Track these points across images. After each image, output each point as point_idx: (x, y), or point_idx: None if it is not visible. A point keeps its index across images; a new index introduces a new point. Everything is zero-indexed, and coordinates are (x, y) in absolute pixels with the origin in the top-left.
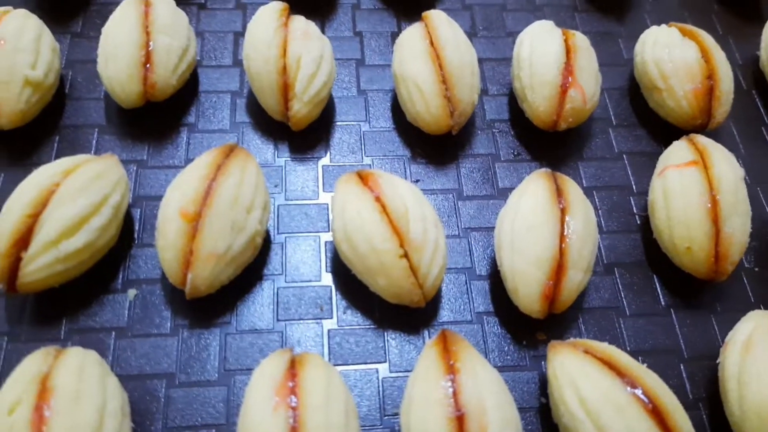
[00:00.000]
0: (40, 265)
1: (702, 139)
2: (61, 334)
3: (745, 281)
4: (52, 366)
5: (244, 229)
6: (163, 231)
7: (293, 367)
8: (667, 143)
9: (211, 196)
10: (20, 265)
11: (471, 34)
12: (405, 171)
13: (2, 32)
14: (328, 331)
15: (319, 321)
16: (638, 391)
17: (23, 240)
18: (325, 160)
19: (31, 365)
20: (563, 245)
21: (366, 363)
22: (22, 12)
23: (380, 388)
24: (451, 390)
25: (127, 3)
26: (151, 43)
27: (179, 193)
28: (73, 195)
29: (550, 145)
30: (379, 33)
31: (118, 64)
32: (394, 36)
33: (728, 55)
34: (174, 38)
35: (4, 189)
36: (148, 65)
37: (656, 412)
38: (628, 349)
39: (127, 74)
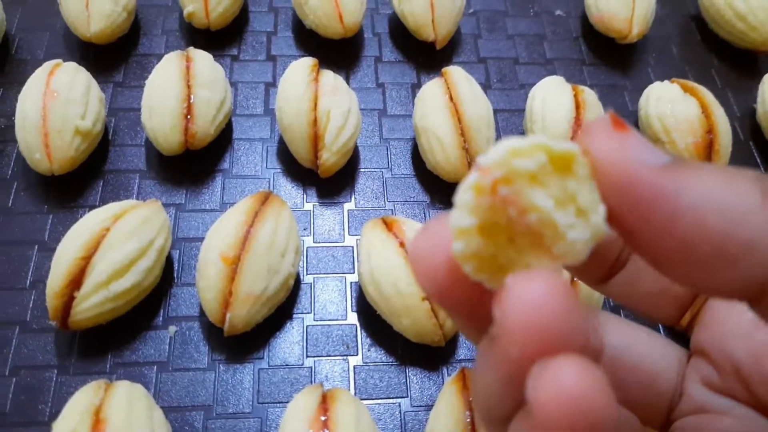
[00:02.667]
0: (91, 304)
1: None
2: (107, 367)
3: None
4: (104, 399)
5: (279, 272)
6: (204, 273)
7: (325, 402)
8: None
9: (250, 241)
10: (72, 304)
11: (486, 86)
12: (425, 216)
13: (56, 85)
14: (354, 367)
15: (345, 357)
16: None
17: (76, 281)
18: (350, 205)
19: (84, 397)
20: None
21: (389, 397)
22: (73, 65)
23: (402, 422)
24: (470, 425)
25: (170, 58)
26: (192, 96)
27: (219, 237)
28: (122, 239)
29: None
30: (400, 84)
31: (162, 116)
32: (414, 87)
33: (727, 107)
34: (213, 91)
35: (54, 230)
36: (189, 117)
37: None
38: None
39: (170, 125)
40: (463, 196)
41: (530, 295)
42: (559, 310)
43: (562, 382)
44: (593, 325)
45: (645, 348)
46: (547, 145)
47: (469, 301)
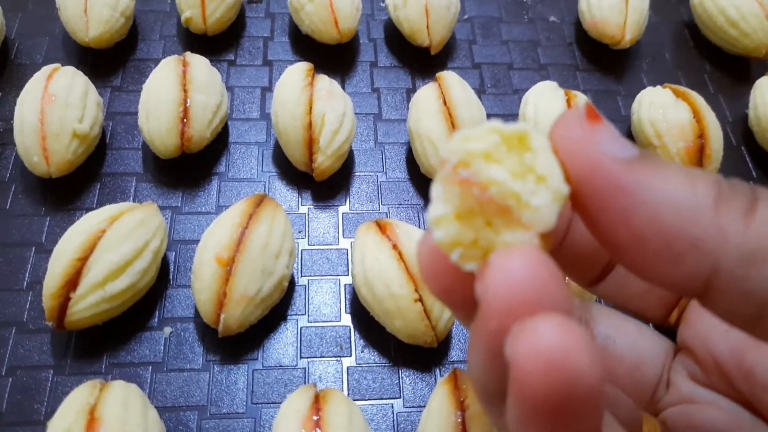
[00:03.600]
0: (87, 305)
1: None
2: (103, 368)
3: None
4: (99, 398)
5: (273, 274)
6: (199, 274)
7: (318, 402)
8: None
9: (244, 243)
10: (69, 305)
11: (480, 91)
12: (419, 219)
13: (54, 88)
14: (347, 368)
15: (338, 358)
16: None
17: (72, 282)
18: (344, 208)
19: (79, 397)
20: None
21: (382, 398)
22: (71, 70)
23: (395, 422)
24: (461, 425)
25: (167, 62)
26: (188, 100)
27: (214, 239)
28: (118, 241)
29: None
30: (395, 89)
31: (159, 119)
32: (409, 92)
33: (719, 112)
34: (209, 96)
35: (51, 232)
36: (185, 120)
37: None
38: None
39: (167, 129)
40: (435, 190)
41: (508, 268)
42: (536, 279)
43: (538, 337)
44: (584, 317)
45: (633, 339)
46: (499, 128)
47: (468, 296)
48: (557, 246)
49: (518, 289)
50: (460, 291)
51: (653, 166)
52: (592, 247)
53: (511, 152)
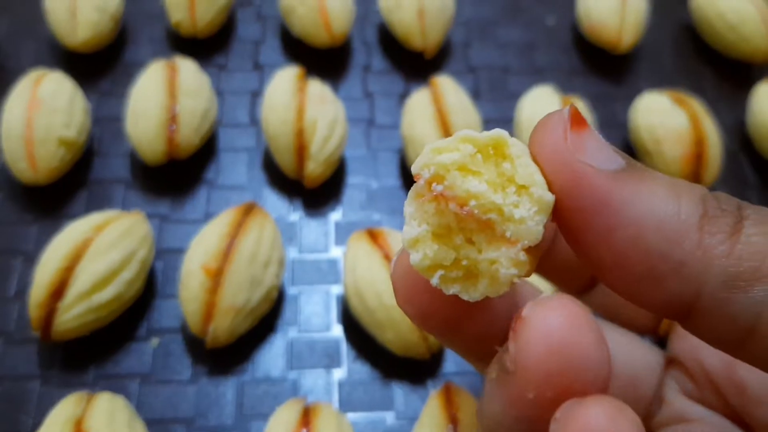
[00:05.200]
0: (73, 315)
1: None
2: (90, 379)
3: None
4: (85, 410)
5: (262, 284)
6: (186, 284)
7: (307, 416)
8: None
9: (232, 253)
10: (55, 315)
11: (475, 96)
12: None
13: (41, 95)
14: (338, 380)
15: (329, 370)
16: None
17: (58, 292)
18: (336, 216)
19: (66, 409)
20: None
21: (373, 411)
22: (58, 75)
23: None
24: None
25: (154, 67)
26: (177, 105)
27: (202, 249)
28: (105, 250)
29: None
30: (388, 94)
31: (146, 125)
32: (402, 97)
33: (718, 118)
34: (198, 101)
35: (39, 240)
36: (173, 126)
37: None
38: None
39: (154, 134)
40: (408, 209)
41: (551, 328)
42: (582, 347)
43: (592, 427)
44: None
45: (627, 354)
46: (472, 137)
47: (450, 320)
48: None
49: (562, 361)
50: (440, 315)
51: (639, 179)
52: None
53: (487, 162)
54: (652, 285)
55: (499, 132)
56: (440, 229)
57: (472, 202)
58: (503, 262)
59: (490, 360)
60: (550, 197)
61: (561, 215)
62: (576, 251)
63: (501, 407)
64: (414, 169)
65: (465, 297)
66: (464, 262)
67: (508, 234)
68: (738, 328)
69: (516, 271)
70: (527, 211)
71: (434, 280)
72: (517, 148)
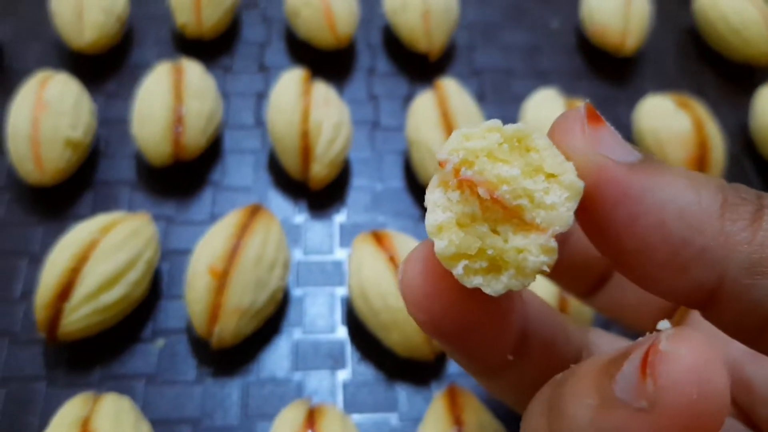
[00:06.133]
0: (79, 316)
1: None
2: (95, 379)
3: None
4: (92, 410)
5: (267, 286)
6: (192, 285)
7: (312, 416)
8: None
9: (238, 254)
10: (61, 316)
11: (479, 99)
12: (416, 229)
13: (47, 96)
14: (343, 381)
15: (334, 371)
16: None
17: (65, 293)
18: (341, 218)
19: (72, 409)
20: None
21: (378, 412)
22: (65, 77)
23: None
24: None
25: (160, 69)
26: (183, 107)
27: (208, 250)
28: (111, 251)
29: None
30: (393, 96)
31: (152, 127)
32: (406, 99)
33: (721, 121)
34: (204, 102)
35: (45, 241)
36: (179, 128)
37: None
38: None
39: (161, 136)
40: (431, 196)
41: (697, 370)
42: (725, 389)
43: None
44: (585, 341)
45: None
46: (499, 127)
47: (460, 327)
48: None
49: (709, 400)
50: (451, 321)
51: (657, 171)
52: (587, 257)
53: (513, 152)
54: (675, 272)
55: (524, 125)
56: (464, 218)
57: (504, 188)
58: (533, 249)
59: (494, 370)
60: (580, 183)
61: (583, 207)
62: (597, 243)
63: None
64: (441, 154)
65: (488, 290)
66: (490, 252)
67: (538, 220)
68: (760, 315)
69: (547, 259)
70: (558, 197)
71: (458, 270)
72: (542, 140)
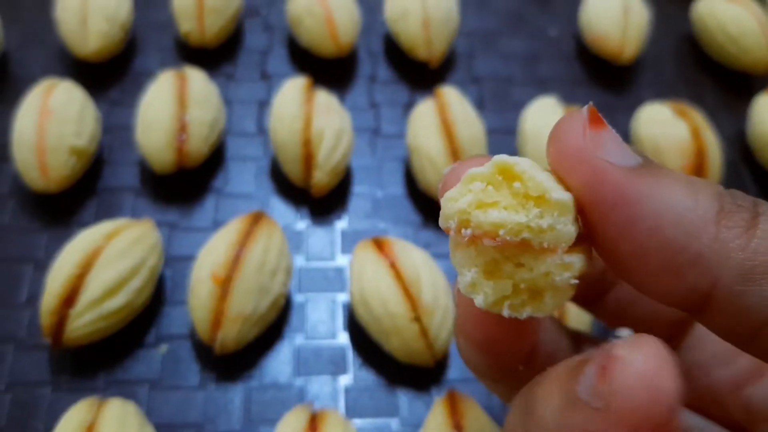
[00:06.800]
0: (84, 322)
1: None
2: (100, 385)
3: None
4: (96, 415)
5: (270, 292)
6: (195, 292)
7: (314, 422)
8: None
9: (241, 261)
10: (66, 322)
11: (479, 106)
12: (416, 235)
13: (52, 104)
14: (344, 386)
15: (335, 377)
16: None
17: (69, 299)
18: (342, 224)
19: (77, 414)
20: None
21: (379, 417)
22: (69, 85)
23: None
24: None
25: (164, 77)
26: (186, 115)
27: (211, 257)
28: (116, 258)
29: None
30: (393, 104)
31: (156, 134)
32: (407, 106)
33: (719, 128)
34: (207, 111)
35: (50, 247)
36: (183, 136)
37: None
38: None
39: (164, 144)
40: (454, 260)
41: (648, 373)
42: (674, 391)
43: None
44: (579, 350)
45: None
46: (476, 174)
47: (499, 343)
48: None
49: (658, 402)
50: (495, 341)
51: (656, 175)
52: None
53: (500, 189)
54: (670, 277)
55: (499, 158)
56: (489, 266)
57: (501, 231)
58: (554, 270)
59: (504, 378)
60: (567, 196)
61: (582, 211)
62: (596, 247)
63: None
64: (441, 224)
65: (539, 315)
66: (523, 286)
67: (545, 245)
68: (751, 321)
69: (569, 274)
70: (552, 218)
71: (505, 312)
72: (520, 165)
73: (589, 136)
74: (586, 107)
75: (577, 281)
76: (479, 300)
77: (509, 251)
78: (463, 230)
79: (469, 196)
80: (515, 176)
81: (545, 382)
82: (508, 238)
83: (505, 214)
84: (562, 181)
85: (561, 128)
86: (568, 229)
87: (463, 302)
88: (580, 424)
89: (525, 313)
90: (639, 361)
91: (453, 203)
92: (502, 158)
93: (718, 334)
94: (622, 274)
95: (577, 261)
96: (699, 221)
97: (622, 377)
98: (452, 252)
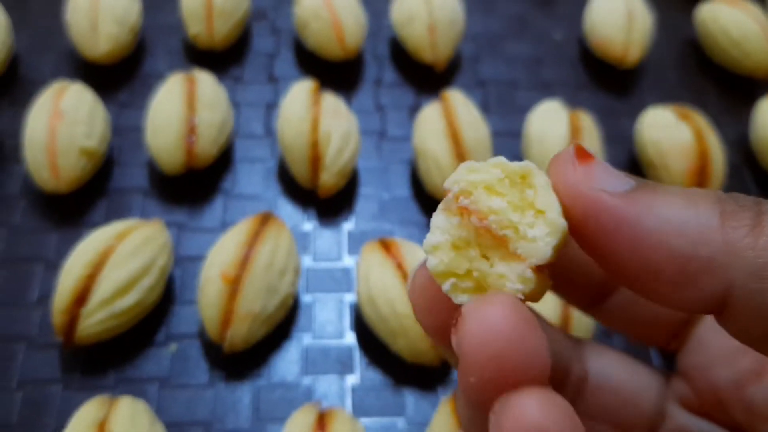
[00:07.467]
0: (95, 321)
1: None
2: (110, 383)
3: None
4: (108, 413)
5: (278, 292)
6: (204, 291)
7: (321, 420)
8: None
9: (250, 261)
10: (77, 321)
11: (484, 109)
12: (422, 236)
13: (63, 106)
14: (351, 385)
15: (343, 376)
16: None
17: (81, 298)
18: (349, 226)
19: (89, 412)
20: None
21: (386, 416)
22: (80, 87)
23: None
24: None
25: (173, 79)
26: (195, 117)
27: (220, 257)
28: (126, 258)
29: None
30: (399, 106)
31: (165, 136)
32: (413, 109)
33: (721, 132)
34: (216, 113)
35: (60, 247)
36: (192, 138)
37: None
38: None
39: (174, 146)
40: (435, 219)
41: (485, 320)
42: (514, 335)
43: (525, 418)
44: (577, 355)
45: (628, 373)
46: (502, 163)
47: None
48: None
49: (495, 347)
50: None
51: (652, 193)
52: (587, 269)
53: (513, 188)
54: (684, 286)
55: (528, 163)
56: (460, 241)
57: (492, 217)
58: (511, 276)
59: None
60: (562, 222)
61: (588, 241)
62: (608, 270)
63: (462, 398)
64: (446, 183)
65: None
66: (475, 274)
67: (519, 251)
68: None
69: (522, 287)
70: (540, 232)
71: (445, 286)
72: (541, 178)
73: (580, 170)
74: (572, 145)
75: (521, 297)
76: (432, 261)
77: (485, 239)
78: (461, 197)
79: (485, 176)
80: (531, 185)
81: None
82: (493, 226)
83: (504, 205)
84: (564, 209)
85: (553, 167)
86: (546, 249)
87: (418, 287)
88: (459, 383)
89: (459, 299)
90: (480, 312)
91: (468, 173)
92: (529, 166)
93: (737, 337)
94: (637, 290)
95: (534, 282)
96: (703, 228)
97: (465, 327)
98: (438, 211)
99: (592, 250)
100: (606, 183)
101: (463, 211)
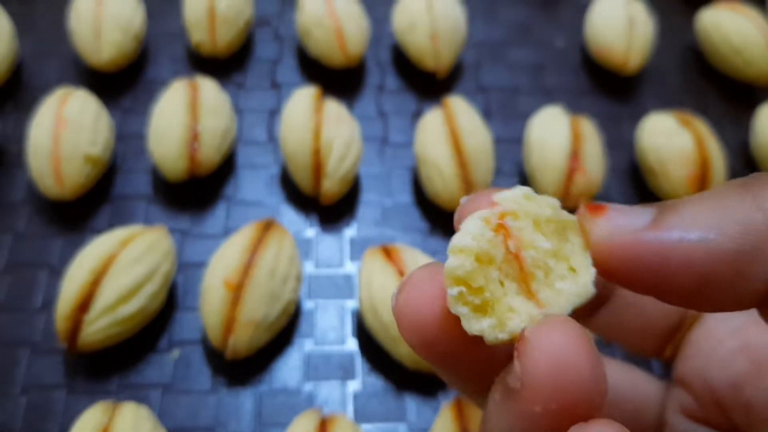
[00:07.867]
0: (98, 327)
1: None
2: (113, 388)
3: None
4: (111, 419)
5: (280, 298)
6: (207, 298)
7: (323, 426)
8: None
9: (253, 267)
10: (81, 327)
11: (486, 116)
12: (424, 243)
13: (67, 113)
14: (353, 391)
15: (344, 382)
16: None
17: (84, 305)
18: (351, 232)
19: (92, 417)
20: None
21: (387, 422)
22: (83, 94)
23: None
24: None
25: (176, 86)
26: (198, 124)
27: (223, 264)
28: (130, 264)
29: None
30: (401, 113)
31: (168, 143)
32: (415, 115)
33: (723, 138)
34: (219, 120)
35: (64, 253)
36: (195, 145)
37: None
38: None
39: (177, 153)
40: (468, 223)
41: (554, 348)
42: (585, 364)
43: None
44: None
45: (629, 384)
46: (556, 206)
47: (450, 352)
48: None
49: (566, 377)
50: (442, 346)
51: (674, 211)
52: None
53: (554, 234)
54: (738, 284)
55: (575, 217)
56: (485, 256)
57: (531, 252)
58: (521, 314)
59: (485, 392)
60: (592, 291)
61: (620, 281)
62: (667, 300)
63: (509, 423)
64: (497, 196)
65: (464, 324)
66: (487, 294)
67: (541, 296)
68: None
69: (524, 327)
70: (568, 288)
71: (452, 291)
72: (579, 238)
73: (599, 223)
74: (580, 208)
75: (511, 339)
76: (453, 261)
77: (510, 267)
78: (509, 218)
79: (539, 210)
80: (569, 240)
81: (497, 379)
82: (528, 260)
83: (548, 248)
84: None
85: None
86: (567, 307)
87: (406, 307)
88: (510, 410)
89: (459, 310)
90: (546, 338)
91: (525, 199)
92: (575, 220)
93: None
94: (693, 306)
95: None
96: (739, 221)
97: (530, 355)
98: (472, 217)
99: (643, 289)
100: (625, 223)
101: (502, 230)
